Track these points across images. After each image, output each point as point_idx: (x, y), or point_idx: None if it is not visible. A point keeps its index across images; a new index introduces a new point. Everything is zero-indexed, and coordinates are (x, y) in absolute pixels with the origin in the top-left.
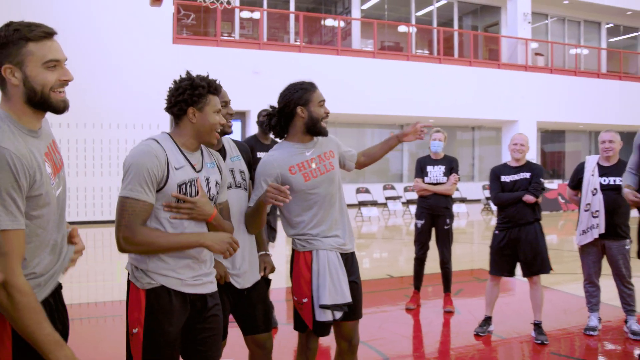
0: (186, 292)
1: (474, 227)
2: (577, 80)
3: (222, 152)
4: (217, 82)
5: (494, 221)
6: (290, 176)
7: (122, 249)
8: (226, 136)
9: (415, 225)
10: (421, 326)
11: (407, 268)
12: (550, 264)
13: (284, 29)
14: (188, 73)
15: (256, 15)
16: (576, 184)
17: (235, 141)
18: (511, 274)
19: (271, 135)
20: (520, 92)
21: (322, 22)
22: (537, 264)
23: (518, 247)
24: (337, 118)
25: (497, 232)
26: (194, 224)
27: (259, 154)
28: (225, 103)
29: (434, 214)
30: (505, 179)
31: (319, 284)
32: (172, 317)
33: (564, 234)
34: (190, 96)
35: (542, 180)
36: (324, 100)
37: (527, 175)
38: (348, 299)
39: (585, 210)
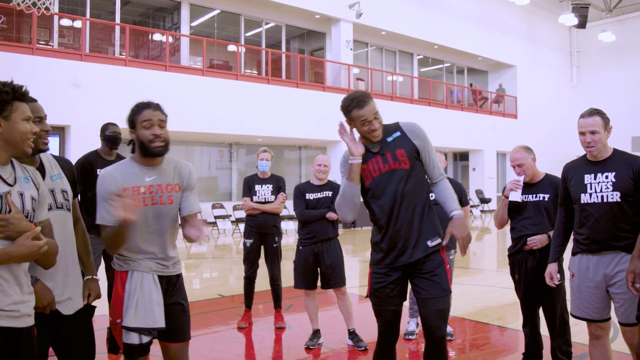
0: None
1: None
2: (394, 104)
3: (41, 170)
4: (24, 88)
5: None
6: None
7: None
8: (46, 153)
9: (244, 244)
10: (253, 344)
11: (237, 287)
12: (345, 278)
13: (108, 40)
14: None
15: (78, 24)
16: None
17: (56, 157)
18: (315, 286)
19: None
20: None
21: (150, 36)
22: (338, 277)
23: (320, 261)
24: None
25: (300, 247)
26: (7, 244)
27: (101, 171)
28: (40, 118)
29: (263, 232)
30: (309, 196)
31: (128, 305)
32: None
33: None
34: None
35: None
36: (148, 120)
37: (329, 193)
38: (158, 324)
39: None
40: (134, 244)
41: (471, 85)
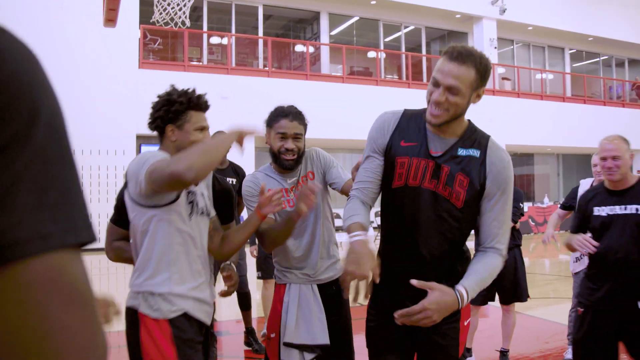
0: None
1: None
2: (544, 104)
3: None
4: (202, 98)
5: None
6: None
7: None
8: None
9: None
10: None
11: None
12: (528, 292)
13: (253, 54)
14: (172, 87)
15: (225, 40)
16: (569, 206)
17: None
18: (491, 299)
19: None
20: (488, 115)
21: (292, 47)
22: (515, 292)
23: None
24: (306, 142)
25: None
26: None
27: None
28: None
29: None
30: None
31: (287, 319)
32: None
33: (536, 257)
34: (166, 112)
35: (521, 205)
36: (283, 133)
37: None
38: (321, 340)
39: None
40: (287, 254)
41: (637, 79)
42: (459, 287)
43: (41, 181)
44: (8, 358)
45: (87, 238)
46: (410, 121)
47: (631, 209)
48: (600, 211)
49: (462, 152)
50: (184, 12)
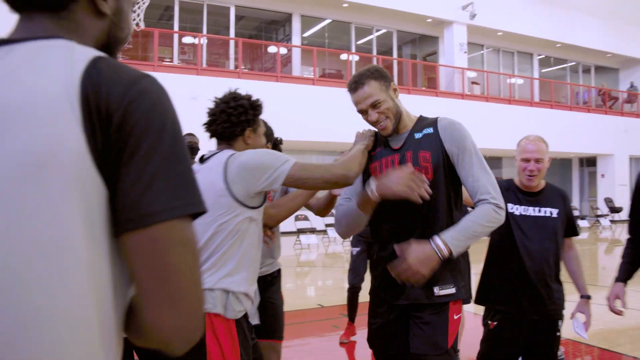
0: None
1: None
2: (512, 108)
3: None
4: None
5: None
6: None
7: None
8: None
9: (351, 253)
10: (356, 359)
11: (338, 298)
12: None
13: (225, 55)
14: (234, 92)
15: (197, 40)
16: None
17: None
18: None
19: None
20: (458, 119)
21: (263, 48)
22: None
23: None
24: None
25: None
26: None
27: None
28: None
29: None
30: None
31: None
32: None
33: None
34: (253, 116)
35: None
36: None
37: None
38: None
39: None
40: None
41: (603, 85)
42: (434, 236)
43: (170, 172)
44: (147, 288)
45: (200, 209)
46: (374, 137)
47: (545, 211)
48: (514, 209)
49: (417, 135)
50: (139, 15)
